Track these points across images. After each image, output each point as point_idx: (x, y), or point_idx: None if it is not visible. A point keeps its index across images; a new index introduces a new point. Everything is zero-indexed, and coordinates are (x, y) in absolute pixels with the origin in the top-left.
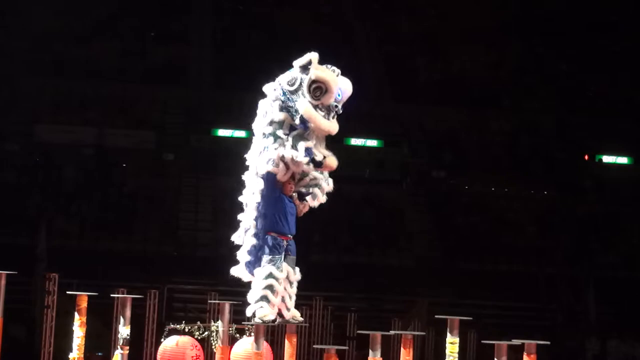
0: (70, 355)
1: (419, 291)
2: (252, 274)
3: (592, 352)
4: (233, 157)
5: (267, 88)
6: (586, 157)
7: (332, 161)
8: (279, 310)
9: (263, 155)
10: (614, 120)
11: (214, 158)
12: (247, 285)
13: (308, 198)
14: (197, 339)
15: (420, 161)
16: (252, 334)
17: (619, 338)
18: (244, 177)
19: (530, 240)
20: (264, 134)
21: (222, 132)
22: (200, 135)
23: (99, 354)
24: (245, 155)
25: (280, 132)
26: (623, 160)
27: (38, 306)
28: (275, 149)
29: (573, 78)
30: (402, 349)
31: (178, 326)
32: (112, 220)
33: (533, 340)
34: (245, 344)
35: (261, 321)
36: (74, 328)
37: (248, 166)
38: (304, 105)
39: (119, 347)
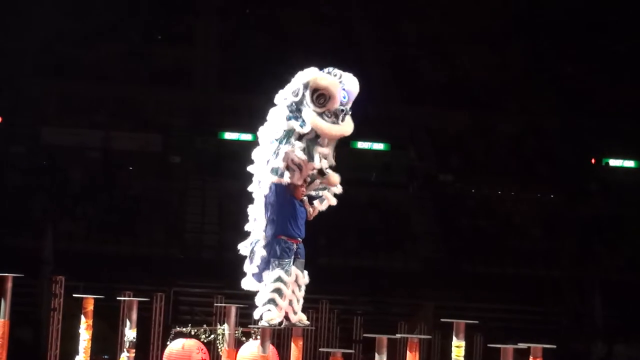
0: (77, 358)
1: (425, 294)
2: (261, 281)
3: (597, 355)
4: (239, 160)
5: (277, 98)
6: (593, 161)
7: (334, 178)
8: (286, 313)
9: (272, 162)
10: (620, 123)
11: (220, 161)
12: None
13: (316, 202)
14: (203, 342)
15: (427, 164)
16: (259, 337)
17: (625, 342)
18: (250, 188)
19: (536, 244)
20: (272, 141)
21: (229, 135)
22: (207, 138)
23: (105, 357)
24: (251, 165)
25: (289, 140)
26: (630, 163)
27: (44, 309)
28: (283, 158)
29: (579, 80)
30: (408, 352)
31: (184, 329)
32: (118, 223)
33: (539, 343)
34: (252, 347)
35: (268, 324)
36: (80, 331)
37: (253, 175)
38: (309, 116)
39: (125, 350)
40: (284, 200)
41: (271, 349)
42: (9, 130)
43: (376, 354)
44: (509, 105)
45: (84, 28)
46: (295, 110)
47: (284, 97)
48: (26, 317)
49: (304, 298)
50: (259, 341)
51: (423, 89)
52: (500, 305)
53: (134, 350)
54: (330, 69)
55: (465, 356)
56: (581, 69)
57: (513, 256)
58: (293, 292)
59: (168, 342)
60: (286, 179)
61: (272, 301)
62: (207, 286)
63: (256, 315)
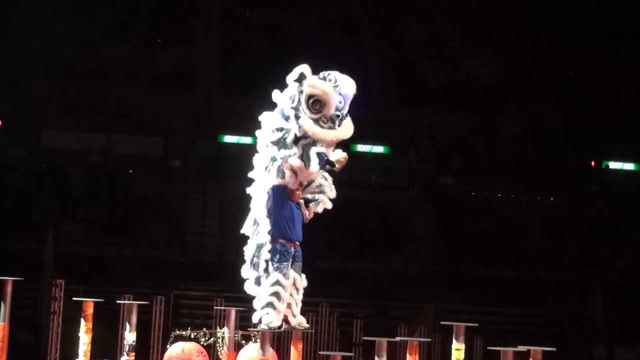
0: None
1: (425, 297)
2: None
3: (598, 358)
4: (239, 163)
5: (275, 96)
6: (593, 163)
7: (340, 153)
8: (285, 316)
9: (271, 167)
10: (620, 126)
11: (220, 164)
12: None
13: (312, 204)
14: (203, 345)
15: (427, 167)
16: (258, 340)
17: (626, 344)
18: (249, 190)
19: (537, 246)
20: (271, 142)
21: (229, 139)
22: (208, 141)
23: None
24: (251, 170)
25: (287, 142)
26: (630, 166)
27: (44, 312)
28: (282, 157)
29: (580, 83)
30: (408, 355)
31: (184, 332)
32: (119, 227)
33: (539, 346)
34: (251, 350)
35: (267, 327)
36: (80, 334)
37: (252, 179)
38: (305, 123)
39: (125, 353)
40: (281, 204)
41: (271, 352)
42: (9, 133)
43: (376, 357)
44: (510, 108)
45: (84, 31)
46: (292, 117)
47: (283, 102)
48: (26, 321)
49: (304, 301)
50: (258, 344)
51: (423, 91)
52: (500, 307)
53: (133, 354)
54: (326, 73)
55: (465, 359)
56: (581, 71)
57: (513, 258)
58: (291, 295)
59: (168, 346)
60: (287, 178)
61: (270, 304)
62: (207, 289)
63: (255, 318)
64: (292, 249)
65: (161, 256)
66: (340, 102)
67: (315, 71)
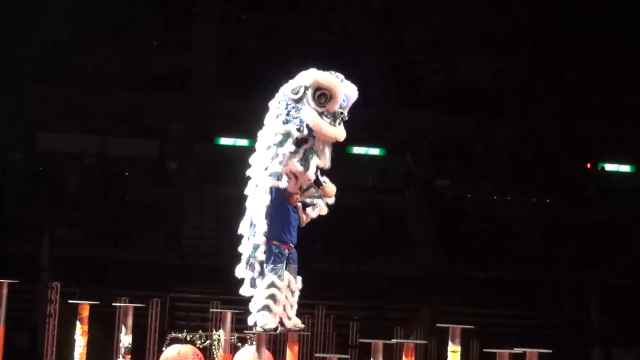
0: None
1: (422, 300)
2: (254, 284)
3: None
4: (235, 165)
5: (271, 102)
6: (588, 165)
7: (330, 189)
8: (280, 319)
9: (270, 168)
10: (616, 128)
11: (217, 166)
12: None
13: (309, 209)
14: (199, 348)
15: (424, 169)
16: (254, 342)
17: (623, 347)
18: (246, 191)
19: (534, 248)
20: (269, 146)
21: (225, 141)
22: (204, 144)
23: None
24: (248, 169)
25: (287, 144)
26: (625, 168)
27: (40, 315)
28: (280, 162)
29: (576, 85)
30: (404, 357)
31: (180, 335)
32: (115, 229)
33: (536, 348)
34: (247, 353)
35: (263, 330)
36: (75, 337)
37: (249, 179)
38: (309, 114)
39: (120, 355)
40: (279, 206)
41: (267, 354)
42: (5, 136)
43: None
44: (506, 111)
45: (81, 34)
46: (293, 110)
47: (279, 99)
48: (22, 323)
49: (300, 303)
50: (254, 347)
51: (419, 93)
52: (497, 310)
53: (129, 356)
54: (333, 72)
55: None
56: (577, 73)
57: (510, 261)
58: (286, 297)
59: (164, 348)
60: (284, 183)
61: (266, 307)
62: (203, 292)
63: (250, 321)
64: (287, 251)
65: (157, 259)
66: (344, 101)
67: None
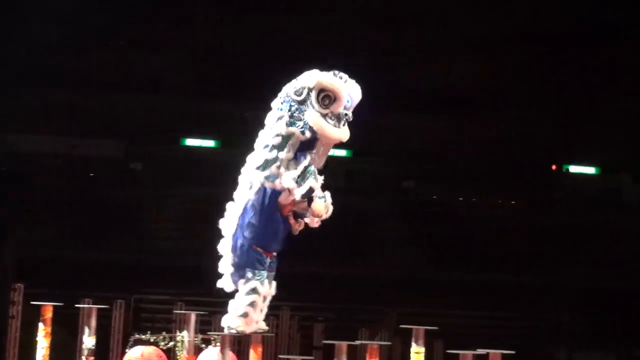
0: None
1: (388, 301)
2: (236, 285)
3: None
4: (201, 166)
5: (274, 102)
6: (554, 167)
7: (319, 208)
8: None
9: (268, 169)
10: (581, 129)
11: (182, 167)
12: (214, 296)
13: (307, 219)
14: (162, 349)
15: (390, 171)
16: (218, 344)
17: (589, 349)
18: (238, 189)
19: (500, 250)
20: (267, 145)
21: (190, 142)
22: (169, 145)
23: None
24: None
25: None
26: (590, 170)
27: (3, 317)
28: (278, 166)
29: (540, 87)
30: (368, 359)
31: (143, 336)
32: (81, 230)
33: (500, 350)
34: (211, 354)
35: (234, 331)
36: (38, 338)
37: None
38: (312, 116)
39: (84, 357)
40: (271, 214)
41: (231, 355)
42: None
43: None
44: (472, 112)
45: (48, 35)
46: (296, 111)
47: (282, 99)
48: None
49: None
50: (218, 348)
51: (386, 94)
52: (463, 311)
53: (92, 358)
54: (336, 72)
55: None
56: (543, 76)
57: (476, 262)
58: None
59: (127, 350)
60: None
61: (245, 315)
62: (168, 293)
63: (224, 322)
64: (268, 260)
65: (122, 260)
66: (348, 102)
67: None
